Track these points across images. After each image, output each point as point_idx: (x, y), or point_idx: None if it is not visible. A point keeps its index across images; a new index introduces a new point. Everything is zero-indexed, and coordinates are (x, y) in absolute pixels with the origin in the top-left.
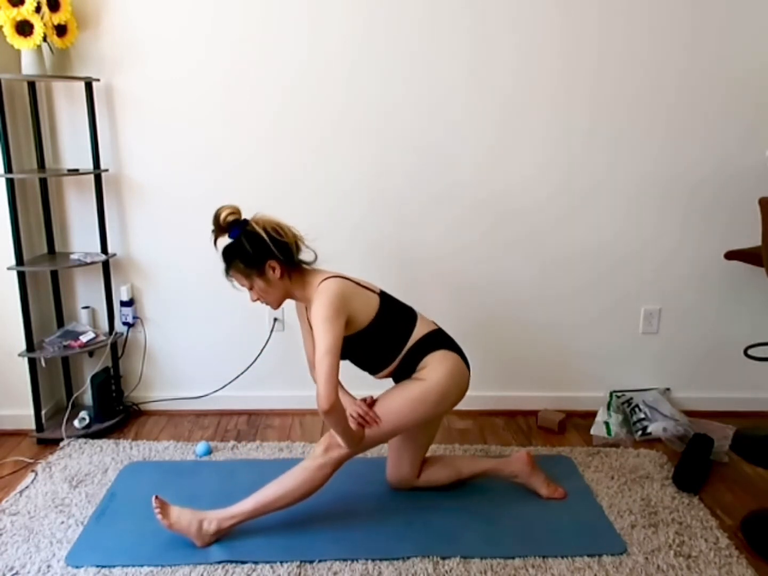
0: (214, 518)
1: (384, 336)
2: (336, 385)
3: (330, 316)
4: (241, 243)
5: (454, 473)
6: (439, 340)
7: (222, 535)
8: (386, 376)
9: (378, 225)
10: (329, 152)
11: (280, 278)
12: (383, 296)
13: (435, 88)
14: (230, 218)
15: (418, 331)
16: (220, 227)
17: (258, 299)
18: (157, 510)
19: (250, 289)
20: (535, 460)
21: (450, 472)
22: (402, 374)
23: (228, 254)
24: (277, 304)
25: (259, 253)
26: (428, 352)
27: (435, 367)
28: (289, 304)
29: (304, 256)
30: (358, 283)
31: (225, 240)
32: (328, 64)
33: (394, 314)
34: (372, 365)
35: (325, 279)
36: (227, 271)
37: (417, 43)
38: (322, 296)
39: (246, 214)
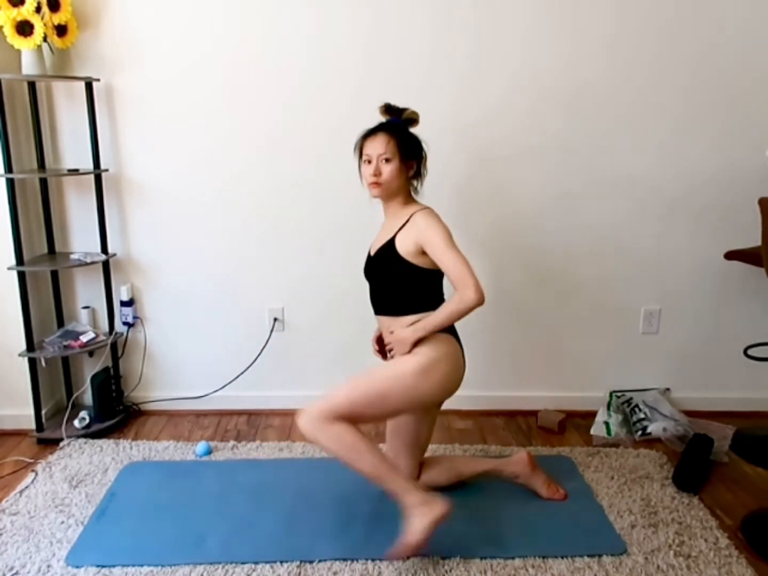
0: None
1: (426, 289)
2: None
3: (450, 235)
4: (408, 132)
5: (454, 474)
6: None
7: None
8: (388, 328)
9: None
10: (331, 150)
11: (406, 179)
12: None
13: (442, 90)
14: (413, 116)
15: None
16: (393, 111)
17: (378, 174)
18: None
19: (387, 160)
20: (536, 460)
21: (450, 473)
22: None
23: (395, 127)
24: (386, 192)
25: (416, 149)
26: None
27: (433, 345)
28: (287, 299)
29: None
30: None
31: (359, 124)
32: (332, 62)
33: (441, 284)
34: (392, 303)
35: (429, 208)
36: (380, 129)
37: (424, 47)
38: (436, 218)
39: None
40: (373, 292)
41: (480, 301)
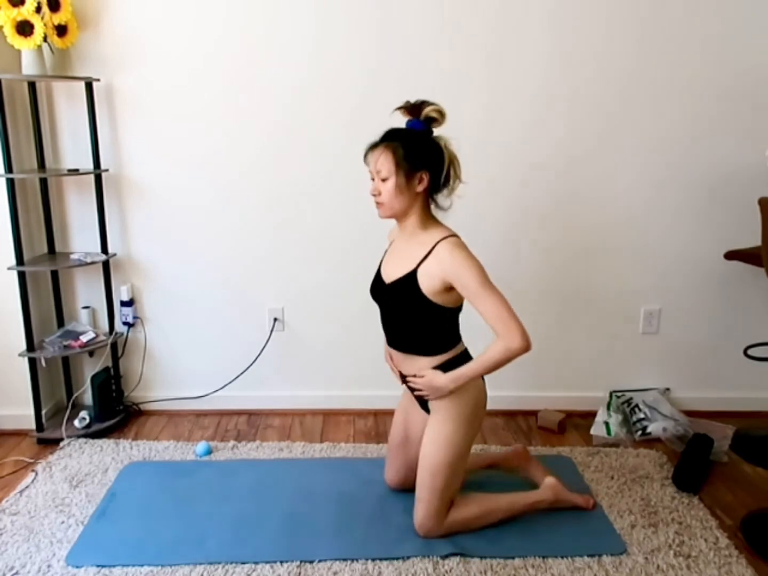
0: None
1: (446, 328)
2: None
3: (483, 272)
4: (420, 137)
5: None
6: (466, 361)
7: None
8: (406, 370)
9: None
10: (332, 151)
11: (417, 193)
12: None
13: (448, 90)
14: (433, 114)
15: (458, 348)
16: (413, 111)
17: (378, 194)
18: None
19: (384, 179)
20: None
21: None
22: None
23: (397, 135)
24: (391, 212)
25: (427, 158)
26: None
27: (458, 397)
28: (287, 299)
29: (442, 200)
30: None
31: (399, 119)
32: (335, 62)
33: (458, 318)
34: (411, 342)
35: (455, 236)
36: (379, 144)
37: (427, 48)
38: (464, 253)
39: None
40: (385, 321)
41: (527, 349)
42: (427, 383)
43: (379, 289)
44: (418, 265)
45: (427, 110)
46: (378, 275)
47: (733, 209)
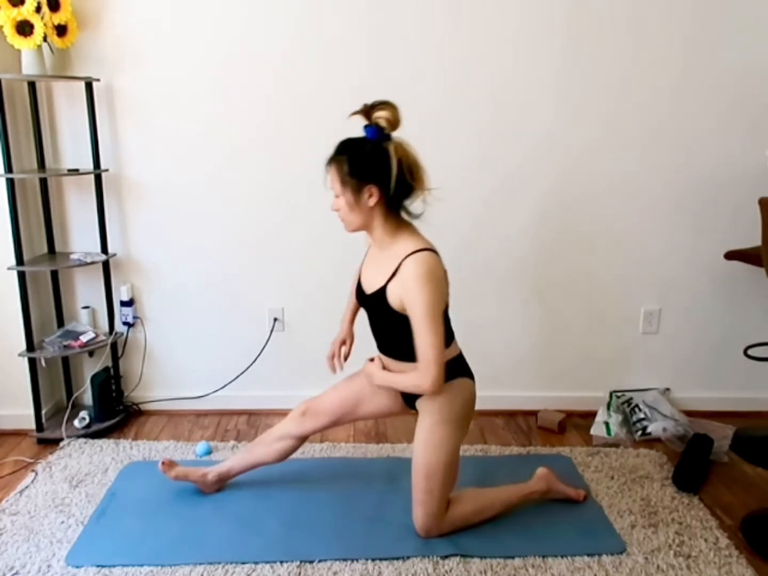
0: (216, 469)
1: None
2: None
3: (434, 301)
4: (364, 148)
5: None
6: (459, 366)
7: (222, 485)
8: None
9: None
10: (332, 149)
11: (371, 208)
12: None
13: (442, 84)
14: (381, 122)
15: (449, 352)
16: (367, 114)
17: (337, 210)
18: (163, 468)
19: (337, 196)
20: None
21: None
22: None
23: (343, 148)
24: (352, 228)
25: (371, 171)
26: (449, 379)
27: (452, 393)
28: (287, 299)
29: (413, 206)
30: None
31: (358, 123)
32: (331, 64)
33: (447, 322)
34: (394, 348)
35: (425, 250)
36: (330, 161)
37: (421, 32)
38: (423, 274)
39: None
40: (372, 328)
41: (434, 393)
42: (367, 370)
43: (361, 297)
44: (388, 281)
45: (376, 116)
46: (359, 283)
47: (733, 209)
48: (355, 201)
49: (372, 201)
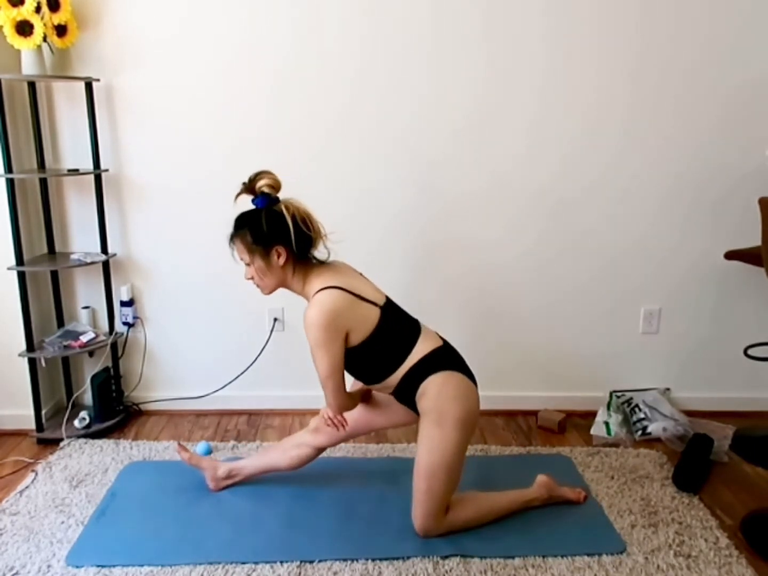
0: (227, 465)
1: (378, 354)
2: (344, 396)
3: (324, 339)
4: (260, 216)
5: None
6: (441, 359)
7: (232, 483)
8: (385, 392)
9: (380, 224)
10: (332, 153)
11: (282, 266)
12: (386, 309)
13: (442, 80)
14: (265, 189)
15: (420, 350)
16: (250, 190)
17: (252, 278)
18: (179, 449)
19: (248, 265)
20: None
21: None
22: (403, 395)
23: (241, 222)
24: (268, 290)
25: (273, 234)
26: (427, 375)
27: (453, 395)
28: (287, 299)
29: (317, 252)
30: (358, 295)
31: (246, 201)
32: (331, 64)
33: (394, 331)
34: (365, 378)
35: (323, 289)
36: (232, 237)
37: (422, 33)
38: (315, 313)
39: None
40: None
41: (334, 412)
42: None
43: None
44: None
45: (259, 186)
46: None
47: (733, 209)
48: (266, 265)
49: (282, 260)
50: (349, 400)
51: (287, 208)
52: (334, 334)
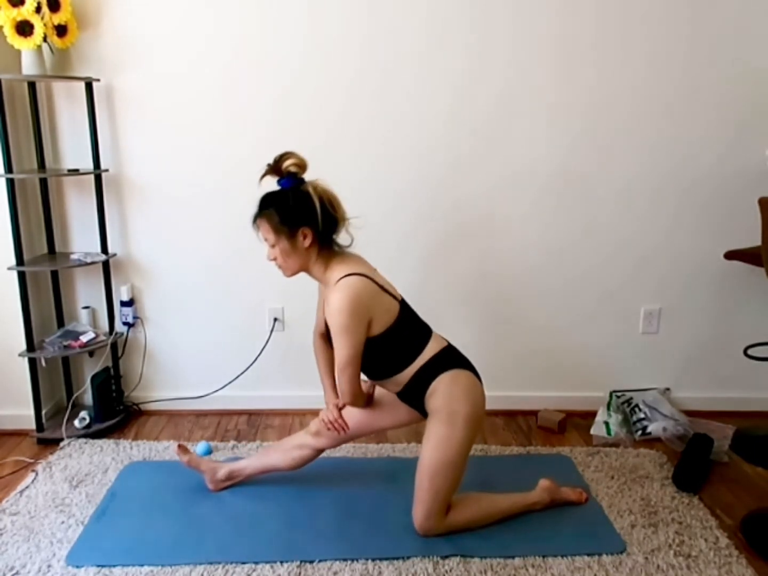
0: (227, 466)
1: (394, 348)
2: (359, 386)
3: (349, 325)
4: (288, 197)
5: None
6: (451, 357)
7: (230, 484)
8: (391, 389)
9: (379, 223)
10: (332, 150)
11: (307, 248)
12: (403, 303)
13: (441, 84)
14: (292, 169)
15: (432, 347)
16: (276, 170)
17: (274, 259)
18: (178, 451)
19: (272, 246)
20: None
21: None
22: (412, 393)
23: (268, 201)
24: (291, 272)
25: (300, 215)
26: (438, 374)
27: (460, 394)
28: (287, 299)
29: (340, 239)
30: (381, 286)
31: (271, 182)
32: (329, 59)
33: (410, 327)
34: (374, 373)
35: (349, 275)
36: (257, 216)
37: (419, 38)
38: (342, 298)
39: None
40: None
41: (346, 403)
42: (324, 417)
43: (329, 336)
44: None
45: (286, 166)
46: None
47: (733, 209)
48: (291, 246)
49: (307, 242)
50: (361, 392)
51: (314, 189)
52: (358, 320)
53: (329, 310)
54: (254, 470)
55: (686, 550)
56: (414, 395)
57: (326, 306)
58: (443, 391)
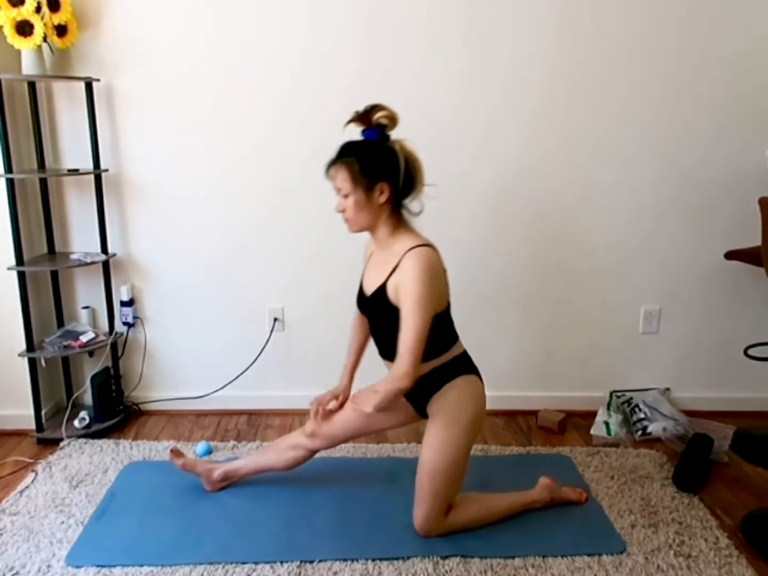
0: (223, 467)
1: (435, 334)
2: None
3: (426, 294)
4: (373, 148)
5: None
6: (466, 363)
7: (227, 485)
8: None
9: None
10: (332, 150)
11: (380, 205)
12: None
13: (441, 84)
14: (382, 121)
15: (456, 349)
16: (364, 119)
17: (343, 211)
18: (172, 456)
19: (346, 196)
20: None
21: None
22: (418, 391)
23: (351, 149)
24: (357, 228)
25: (382, 169)
26: (454, 376)
27: (463, 397)
28: (287, 299)
29: (412, 205)
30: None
31: (354, 130)
32: (329, 59)
33: (450, 321)
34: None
35: (423, 245)
36: (334, 162)
37: (417, 40)
38: (419, 267)
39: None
40: (374, 332)
41: (402, 384)
42: (360, 405)
43: (362, 301)
44: (388, 277)
45: (377, 117)
46: (361, 287)
47: (733, 209)
48: (366, 199)
49: (383, 198)
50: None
51: (402, 147)
52: (433, 291)
53: (407, 278)
54: (249, 470)
55: (686, 550)
56: (423, 391)
57: (406, 274)
58: (454, 395)
